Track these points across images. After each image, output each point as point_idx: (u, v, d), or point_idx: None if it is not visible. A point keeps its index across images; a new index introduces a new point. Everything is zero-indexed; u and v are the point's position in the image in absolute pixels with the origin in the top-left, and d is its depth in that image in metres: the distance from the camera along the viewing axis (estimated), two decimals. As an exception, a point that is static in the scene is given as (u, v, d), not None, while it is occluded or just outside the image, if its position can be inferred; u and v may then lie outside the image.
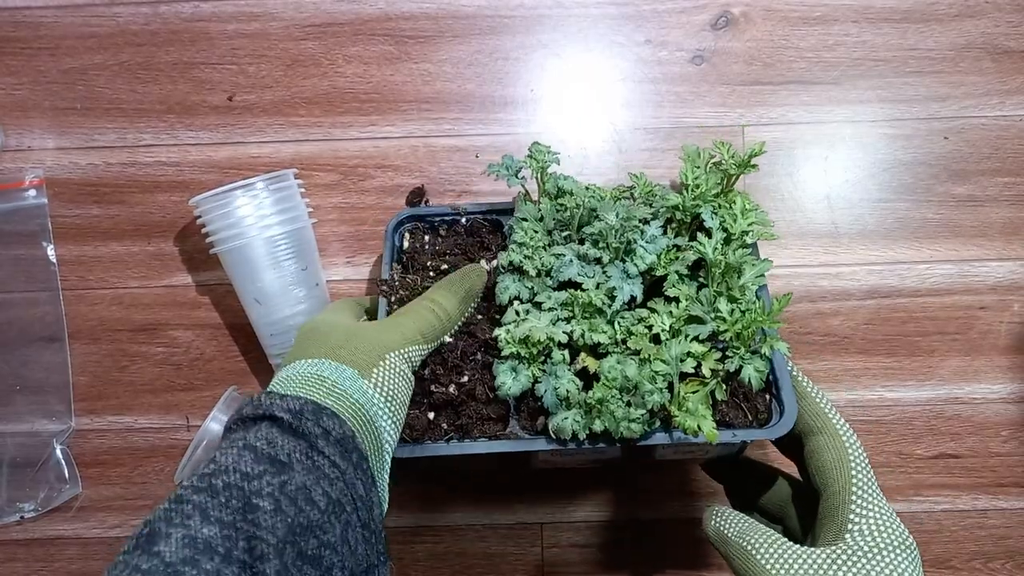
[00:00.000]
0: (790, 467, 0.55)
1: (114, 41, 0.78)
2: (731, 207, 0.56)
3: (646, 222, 0.57)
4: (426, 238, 0.63)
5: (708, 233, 0.55)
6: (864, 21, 0.76)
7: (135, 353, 0.74)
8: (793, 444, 0.52)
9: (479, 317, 0.58)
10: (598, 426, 0.50)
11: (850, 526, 0.45)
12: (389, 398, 0.47)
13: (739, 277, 0.54)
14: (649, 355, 0.50)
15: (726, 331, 0.52)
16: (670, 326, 0.52)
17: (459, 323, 0.56)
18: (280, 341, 0.67)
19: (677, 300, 0.53)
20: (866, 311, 0.73)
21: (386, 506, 0.47)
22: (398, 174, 0.75)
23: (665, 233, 0.57)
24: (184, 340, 0.74)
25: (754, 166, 0.58)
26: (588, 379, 0.53)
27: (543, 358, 0.53)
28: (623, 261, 0.55)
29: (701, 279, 0.55)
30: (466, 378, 0.55)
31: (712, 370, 0.52)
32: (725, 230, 0.55)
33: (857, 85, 0.76)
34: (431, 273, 0.60)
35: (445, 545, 0.71)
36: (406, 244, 0.63)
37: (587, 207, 0.57)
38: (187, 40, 0.78)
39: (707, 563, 0.70)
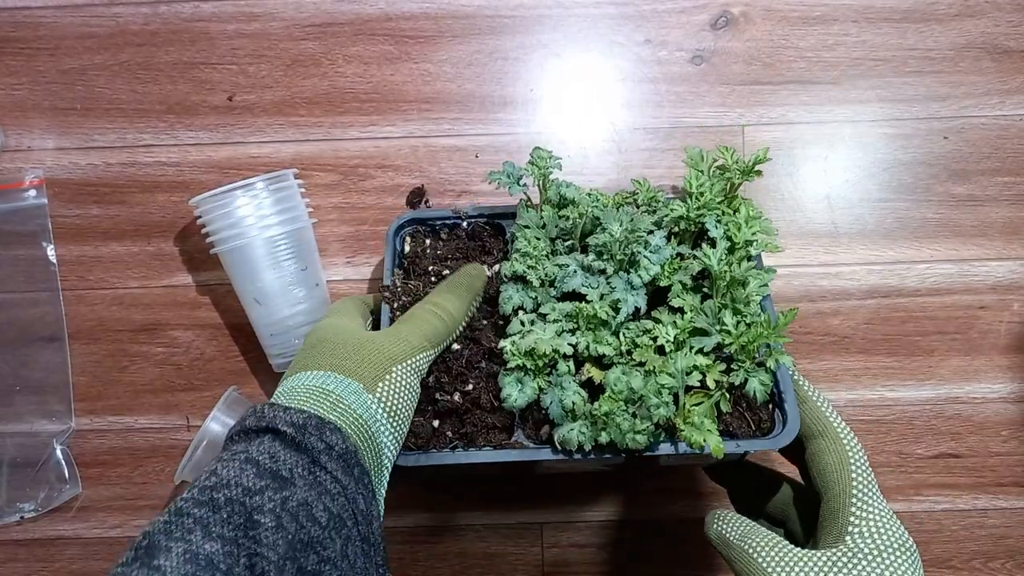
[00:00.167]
0: (793, 471, 0.55)
1: (114, 41, 0.78)
2: (735, 215, 0.56)
3: (650, 232, 0.57)
4: (427, 242, 0.63)
5: (712, 242, 0.55)
6: (864, 21, 0.76)
7: (135, 353, 0.74)
8: (795, 447, 0.52)
9: (484, 322, 0.58)
10: (604, 438, 0.50)
11: (850, 528, 0.45)
12: (392, 413, 0.47)
13: (744, 288, 0.53)
14: (654, 367, 0.50)
15: (731, 344, 0.52)
16: (675, 337, 0.52)
17: (463, 324, 0.56)
18: (280, 341, 0.67)
19: (681, 311, 0.53)
20: (866, 311, 0.73)
21: (383, 518, 0.47)
22: (398, 174, 0.75)
23: (669, 242, 0.57)
24: (184, 340, 0.74)
25: (758, 172, 0.58)
26: (593, 389, 0.53)
27: (548, 369, 0.53)
28: (627, 272, 0.55)
29: (705, 289, 0.55)
30: (471, 386, 0.54)
31: (716, 381, 0.52)
32: (729, 239, 0.55)
33: (857, 85, 0.76)
34: (433, 279, 0.60)
35: (445, 545, 0.71)
36: (407, 248, 0.63)
37: (590, 216, 0.57)
38: (187, 40, 0.78)
39: (708, 563, 0.70)
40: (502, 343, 0.53)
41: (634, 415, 0.50)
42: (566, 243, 0.58)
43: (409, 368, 0.50)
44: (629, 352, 0.52)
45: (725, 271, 0.53)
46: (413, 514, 0.71)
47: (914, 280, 0.73)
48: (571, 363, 0.53)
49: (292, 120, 0.76)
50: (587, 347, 0.52)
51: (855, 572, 0.43)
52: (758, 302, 0.54)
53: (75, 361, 0.74)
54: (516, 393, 0.52)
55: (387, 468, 0.47)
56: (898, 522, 0.46)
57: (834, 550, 0.45)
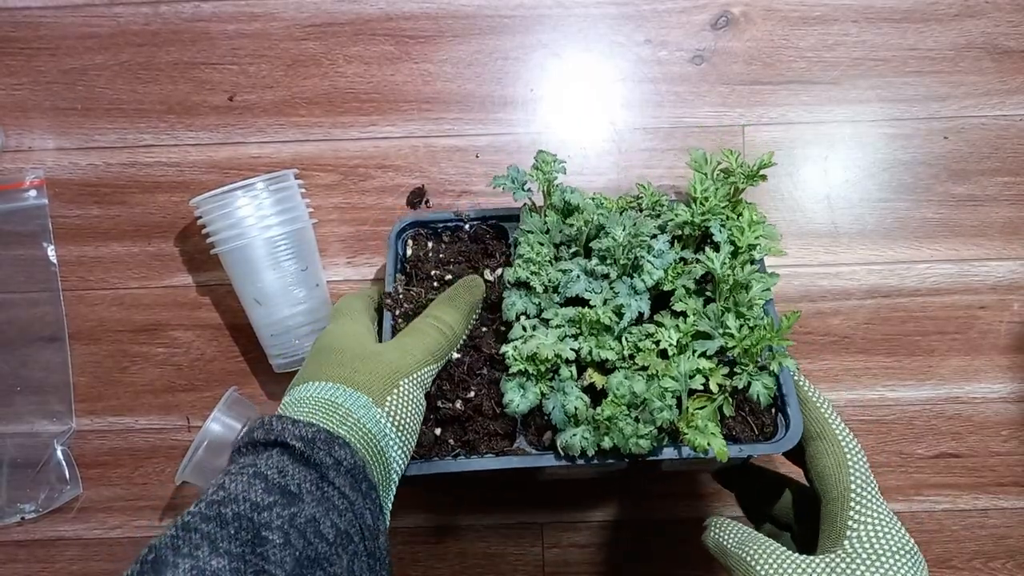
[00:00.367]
0: (798, 473, 0.55)
1: (114, 41, 0.78)
2: (738, 219, 0.56)
3: (653, 236, 0.57)
4: (429, 245, 0.63)
5: (716, 247, 0.55)
6: (864, 21, 0.76)
7: (135, 354, 0.74)
8: (797, 449, 0.52)
9: (483, 329, 0.58)
10: (607, 443, 0.50)
11: (848, 532, 0.45)
12: (401, 427, 0.47)
13: (747, 292, 0.53)
14: (657, 371, 0.50)
15: (734, 347, 0.52)
16: (677, 341, 0.52)
17: (464, 336, 0.56)
18: (280, 341, 0.67)
19: (684, 315, 0.53)
20: (866, 311, 0.73)
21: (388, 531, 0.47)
22: (398, 174, 0.75)
23: (672, 246, 0.57)
24: (184, 341, 0.74)
25: (763, 176, 0.58)
26: (595, 394, 0.52)
27: (551, 375, 0.53)
28: (630, 277, 0.55)
29: (708, 293, 0.55)
30: (472, 393, 0.54)
31: (719, 385, 0.52)
32: (732, 243, 0.55)
33: (857, 85, 0.76)
34: (435, 284, 0.60)
35: (445, 545, 0.71)
36: (409, 252, 0.62)
37: (595, 224, 0.57)
38: (188, 40, 0.78)
39: (708, 564, 0.70)
40: (504, 348, 0.53)
41: (637, 419, 0.50)
42: (571, 250, 0.58)
43: (415, 382, 0.50)
44: (632, 356, 0.52)
45: (728, 275, 0.53)
46: (413, 514, 0.71)
47: (914, 280, 0.73)
48: (573, 368, 0.53)
49: (292, 120, 0.76)
50: (590, 352, 0.52)
51: None
52: (761, 306, 0.54)
53: (75, 361, 0.74)
54: (518, 398, 0.52)
55: (395, 482, 0.47)
56: (899, 524, 0.46)
57: (832, 555, 0.44)
